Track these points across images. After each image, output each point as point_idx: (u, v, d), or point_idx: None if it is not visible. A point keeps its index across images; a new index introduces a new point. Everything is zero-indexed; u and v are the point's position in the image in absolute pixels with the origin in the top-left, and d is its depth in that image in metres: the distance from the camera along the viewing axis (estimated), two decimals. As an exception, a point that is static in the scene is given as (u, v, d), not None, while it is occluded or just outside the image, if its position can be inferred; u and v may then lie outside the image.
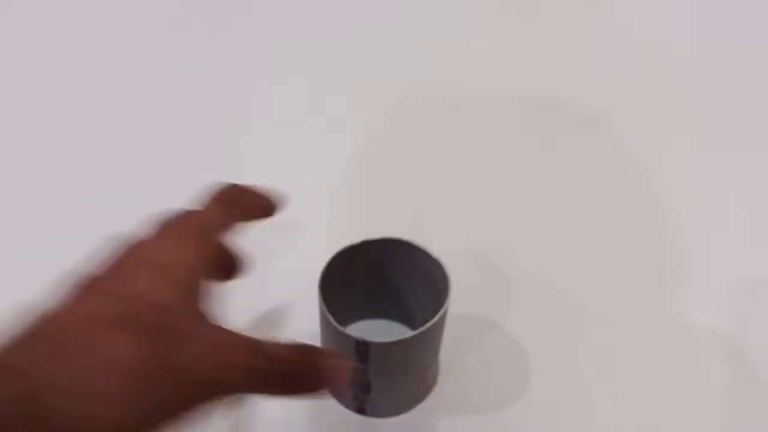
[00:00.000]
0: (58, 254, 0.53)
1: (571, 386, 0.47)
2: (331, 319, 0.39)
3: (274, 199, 0.36)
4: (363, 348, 0.39)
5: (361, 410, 0.45)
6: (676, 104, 0.66)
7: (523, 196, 0.59)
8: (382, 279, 0.45)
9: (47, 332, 0.27)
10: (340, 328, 0.39)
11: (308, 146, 0.61)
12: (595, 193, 0.59)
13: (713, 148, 0.62)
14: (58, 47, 0.70)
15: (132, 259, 0.30)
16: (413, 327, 0.41)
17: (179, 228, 0.32)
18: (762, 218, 0.57)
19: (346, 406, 0.45)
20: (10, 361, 0.26)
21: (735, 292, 0.52)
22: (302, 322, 0.48)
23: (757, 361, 0.48)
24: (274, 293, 0.50)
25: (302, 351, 0.31)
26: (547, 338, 0.49)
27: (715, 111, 0.65)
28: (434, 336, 0.42)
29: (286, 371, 0.30)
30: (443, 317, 0.40)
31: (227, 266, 0.36)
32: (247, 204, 0.35)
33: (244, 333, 0.29)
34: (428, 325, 0.39)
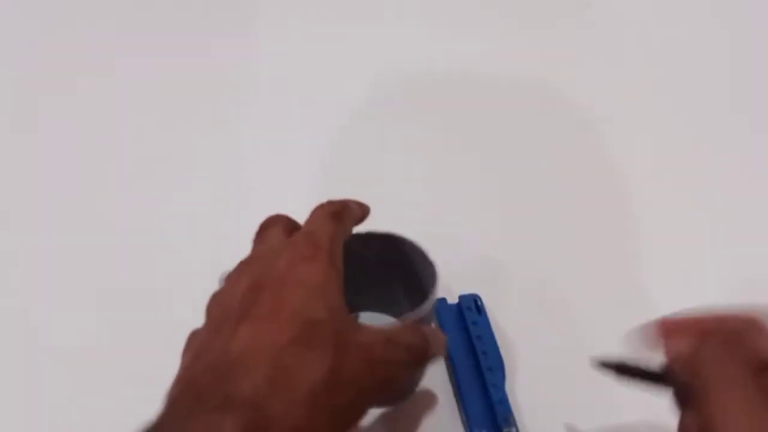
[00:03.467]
0: (58, 254, 0.54)
1: (564, 385, 0.47)
2: None
3: (365, 207, 0.40)
4: None
5: None
6: (676, 102, 0.66)
7: (517, 190, 0.59)
8: (369, 272, 0.45)
9: (252, 366, 0.29)
10: None
11: (300, 139, 0.62)
12: (590, 191, 0.59)
13: (713, 146, 0.62)
14: (59, 51, 0.70)
15: (274, 278, 0.32)
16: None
17: (310, 241, 0.34)
18: (759, 218, 0.57)
19: None
20: (244, 393, 0.28)
21: (735, 291, 0.52)
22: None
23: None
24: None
25: (418, 332, 0.36)
26: (543, 334, 0.49)
27: (715, 109, 0.65)
28: (423, 323, 0.42)
29: (416, 354, 0.35)
30: (431, 305, 0.40)
31: None
32: (349, 216, 0.38)
33: (375, 327, 0.33)
34: (417, 310, 0.39)
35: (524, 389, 0.46)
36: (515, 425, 0.43)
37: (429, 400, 0.46)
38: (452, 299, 0.50)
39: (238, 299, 0.32)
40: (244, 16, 0.75)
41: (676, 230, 0.56)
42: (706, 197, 0.58)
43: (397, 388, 0.41)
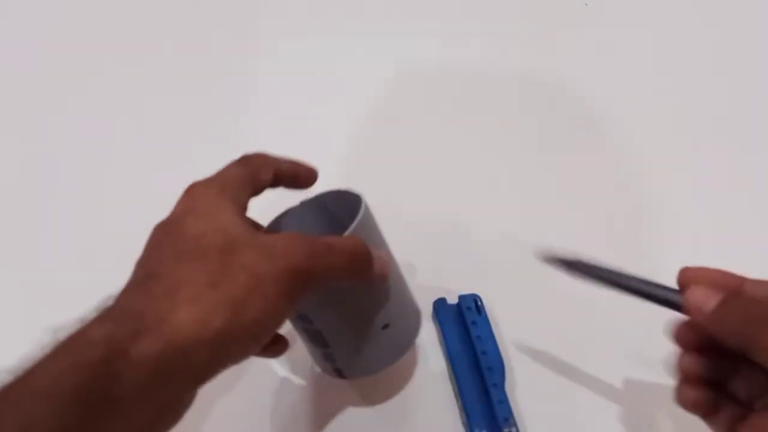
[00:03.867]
0: (58, 251, 0.54)
1: (564, 385, 0.47)
2: None
3: (305, 168, 0.40)
4: None
5: (337, 372, 0.44)
6: (679, 99, 0.66)
7: (517, 190, 0.59)
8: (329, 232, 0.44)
9: (129, 284, 0.31)
10: None
11: (308, 130, 0.62)
12: (591, 191, 0.59)
13: (715, 144, 0.62)
14: (61, 45, 0.70)
15: (165, 223, 0.34)
16: None
17: (209, 181, 0.36)
18: (761, 215, 0.57)
19: (325, 371, 0.45)
20: (119, 303, 0.30)
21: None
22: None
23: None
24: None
25: (352, 239, 0.36)
26: (543, 334, 0.49)
27: (717, 107, 0.65)
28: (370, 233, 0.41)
29: (343, 252, 0.35)
30: (368, 216, 0.40)
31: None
32: (265, 166, 0.38)
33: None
34: (352, 227, 0.38)
35: (524, 389, 0.46)
36: (515, 425, 0.43)
37: (429, 399, 0.46)
38: (452, 299, 0.50)
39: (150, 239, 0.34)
40: (246, 15, 0.75)
41: (680, 230, 0.56)
42: (713, 196, 0.58)
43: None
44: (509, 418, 0.43)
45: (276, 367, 0.47)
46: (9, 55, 0.70)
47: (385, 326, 0.42)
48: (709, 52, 0.71)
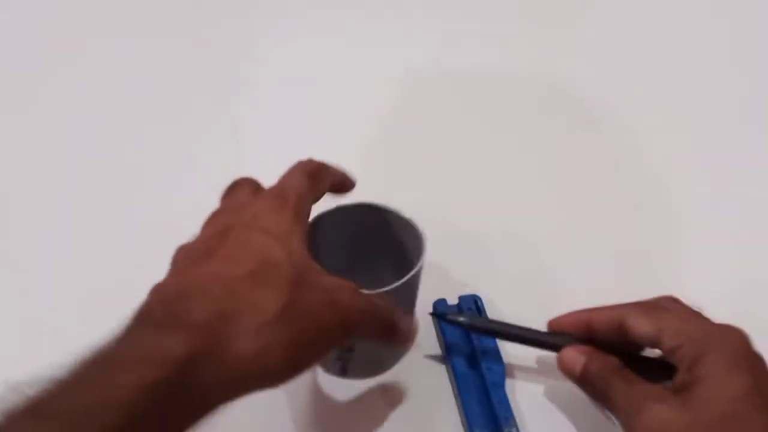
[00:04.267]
0: (57, 255, 0.54)
1: (564, 385, 0.47)
2: None
3: (350, 178, 0.41)
4: None
5: (343, 371, 0.45)
6: (679, 98, 0.66)
7: (518, 190, 0.59)
8: (357, 244, 0.45)
9: (203, 294, 0.30)
10: None
11: (310, 133, 0.62)
12: (591, 192, 0.59)
13: (715, 143, 0.62)
14: (61, 47, 0.70)
15: (241, 225, 0.34)
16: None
17: (278, 195, 0.36)
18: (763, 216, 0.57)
19: (329, 370, 0.46)
20: (193, 316, 0.29)
21: (736, 290, 0.52)
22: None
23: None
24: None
25: (389, 304, 0.37)
26: (540, 325, 0.48)
27: (717, 106, 0.65)
28: (412, 290, 0.43)
29: (383, 318, 0.36)
30: (419, 271, 0.41)
31: None
32: (325, 177, 0.39)
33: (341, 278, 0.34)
34: (407, 276, 0.40)
35: (524, 389, 0.46)
36: (515, 425, 0.43)
37: (429, 399, 0.46)
38: (452, 299, 0.50)
39: (202, 244, 0.34)
40: (254, 18, 0.75)
41: (680, 230, 0.56)
42: (713, 195, 0.58)
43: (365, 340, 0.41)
44: (509, 418, 0.43)
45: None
46: (7, 55, 0.70)
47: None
48: (710, 52, 0.71)
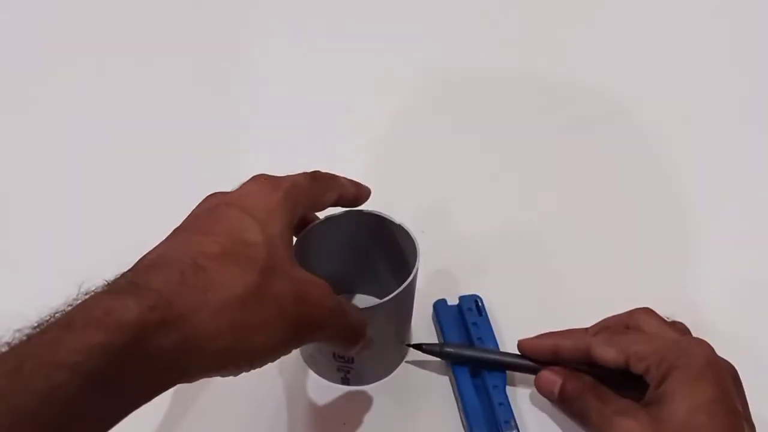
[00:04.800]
0: (62, 252, 0.53)
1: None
2: None
3: (363, 187, 0.41)
4: None
5: (345, 380, 0.46)
6: (680, 98, 0.66)
7: (519, 190, 0.59)
8: (353, 252, 0.46)
9: (170, 265, 0.29)
10: None
11: (313, 137, 0.61)
12: (591, 192, 0.59)
13: (716, 142, 0.62)
14: (61, 49, 0.69)
15: (224, 203, 0.33)
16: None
17: (272, 179, 0.35)
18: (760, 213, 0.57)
19: (330, 380, 0.46)
20: (153, 284, 0.28)
21: (737, 290, 0.52)
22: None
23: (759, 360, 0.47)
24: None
25: (362, 314, 0.37)
26: (540, 330, 0.48)
27: (718, 106, 0.65)
28: (408, 299, 0.43)
29: (350, 323, 0.36)
30: (414, 279, 0.41)
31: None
32: (331, 184, 0.39)
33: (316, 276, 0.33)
34: (403, 286, 0.40)
35: (525, 391, 0.46)
36: (516, 428, 0.43)
37: (429, 401, 0.46)
38: (453, 300, 0.49)
39: (186, 220, 0.34)
40: (248, 15, 0.74)
41: (684, 231, 0.56)
42: (714, 194, 0.58)
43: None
44: (510, 421, 0.43)
45: (274, 371, 0.47)
46: (7, 54, 0.69)
47: (408, 344, 0.46)
48: (712, 51, 0.71)
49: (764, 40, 0.71)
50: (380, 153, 0.60)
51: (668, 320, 0.42)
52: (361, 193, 0.42)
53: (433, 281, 0.50)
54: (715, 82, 0.68)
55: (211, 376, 0.30)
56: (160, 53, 0.70)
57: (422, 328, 0.49)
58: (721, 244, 0.55)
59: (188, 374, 0.29)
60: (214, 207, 0.34)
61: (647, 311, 0.43)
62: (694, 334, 0.42)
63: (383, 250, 0.46)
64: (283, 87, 0.67)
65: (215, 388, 0.46)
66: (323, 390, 0.46)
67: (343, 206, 0.42)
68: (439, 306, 0.49)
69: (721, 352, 0.39)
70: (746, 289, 0.52)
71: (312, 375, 0.47)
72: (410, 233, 0.43)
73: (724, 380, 0.37)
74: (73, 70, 0.68)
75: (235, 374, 0.31)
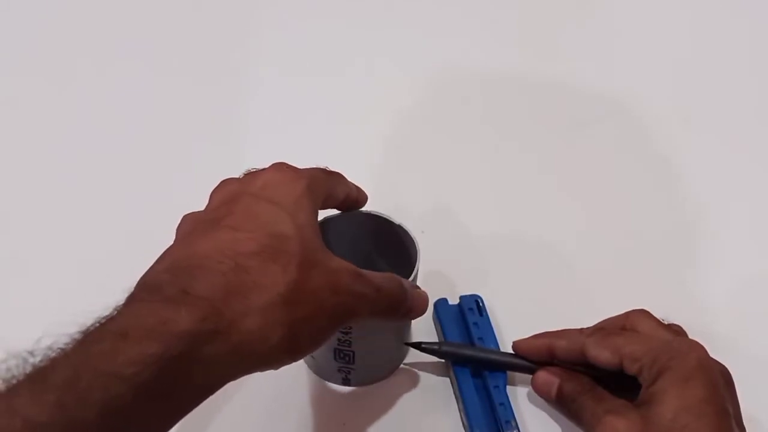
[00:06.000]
0: (56, 252, 0.53)
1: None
2: None
3: (363, 192, 0.42)
4: None
5: (346, 381, 0.46)
6: (680, 97, 0.66)
7: (519, 190, 0.59)
8: (354, 252, 0.45)
9: (211, 268, 0.29)
10: None
11: (316, 142, 0.61)
12: (591, 192, 0.59)
13: (717, 142, 0.62)
14: (61, 45, 0.69)
15: (249, 194, 0.33)
16: None
17: (291, 169, 0.35)
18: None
19: (331, 380, 0.46)
20: (201, 292, 0.28)
21: (741, 290, 0.52)
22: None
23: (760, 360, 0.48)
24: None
25: (396, 280, 0.37)
26: (541, 330, 0.48)
27: (719, 106, 0.65)
28: None
29: (388, 297, 0.36)
30: (415, 279, 0.41)
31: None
32: (342, 181, 0.40)
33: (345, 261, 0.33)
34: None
35: (526, 391, 0.45)
36: (517, 428, 0.42)
37: (430, 402, 0.46)
38: (453, 300, 0.49)
39: (209, 212, 0.34)
40: (250, 12, 0.74)
41: (684, 231, 0.56)
42: (715, 194, 0.58)
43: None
44: (511, 421, 0.43)
45: (274, 371, 0.47)
46: (6, 53, 0.69)
47: (406, 342, 0.45)
48: (714, 49, 0.71)
49: (766, 37, 0.71)
50: (380, 153, 0.60)
51: (664, 322, 0.42)
52: (361, 196, 0.42)
53: (434, 281, 0.50)
54: (719, 80, 0.67)
55: (252, 373, 0.31)
56: (164, 49, 0.70)
57: (423, 329, 0.49)
58: (724, 244, 0.55)
59: (235, 376, 0.30)
60: (237, 197, 0.33)
61: (643, 313, 0.43)
62: (695, 336, 0.42)
63: (383, 251, 0.46)
64: (282, 80, 0.66)
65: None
66: (323, 390, 0.46)
67: (345, 208, 0.42)
68: (440, 305, 0.49)
69: (720, 352, 0.39)
70: (749, 289, 0.52)
71: (312, 375, 0.47)
72: (410, 233, 0.43)
73: (715, 381, 0.37)
74: (70, 64, 0.68)
75: (276, 368, 0.31)
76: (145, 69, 0.68)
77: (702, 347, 0.39)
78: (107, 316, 0.27)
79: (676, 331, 0.42)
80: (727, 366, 0.39)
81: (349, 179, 0.41)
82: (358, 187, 0.42)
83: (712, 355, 0.39)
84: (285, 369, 0.46)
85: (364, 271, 0.35)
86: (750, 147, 0.62)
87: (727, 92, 0.66)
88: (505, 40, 0.71)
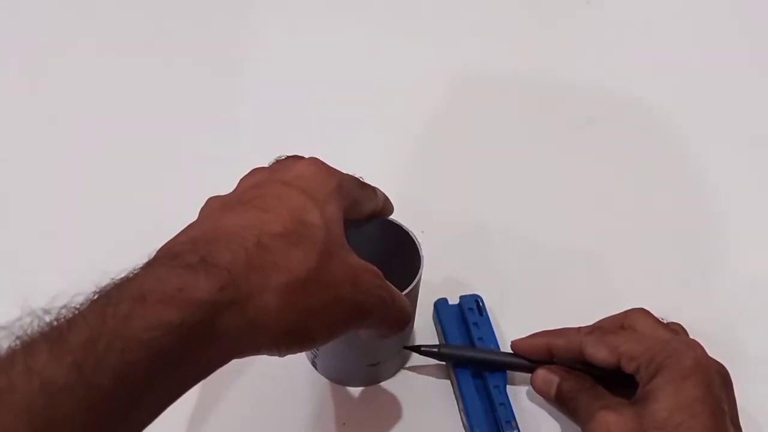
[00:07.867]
0: (62, 250, 0.53)
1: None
2: None
3: (391, 204, 0.41)
4: None
5: (314, 364, 0.46)
6: (681, 97, 0.66)
7: (519, 190, 0.59)
8: (376, 254, 0.45)
9: (234, 242, 0.29)
10: None
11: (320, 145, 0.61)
12: (591, 192, 0.59)
13: (717, 141, 0.62)
14: (59, 45, 0.69)
15: (281, 181, 0.33)
16: None
17: (324, 165, 0.35)
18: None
19: (331, 380, 0.46)
20: (221, 262, 0.28)
21: (740, 291, 0.52)
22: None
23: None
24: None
25: (407, 302, 0.37)
26: (544, 325, 0.48)
27: (719, 105, 0.65)
28: (412, 302, 0.43)
29: (397, 311, 0.36)
30: (418, 282, 0.41)
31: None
32: (374, 195, 0.39)
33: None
34: (408, 289, 0.39)
35: (526, 391, 0.46)
36: (517, 428, 0.43)
37: (430, 402, 0.46)
38: (453, 300, 0.49)
39: (238, 194, 0.33)
40: (250, 12, 0.74)
41: (684, 231, 0.56)
42: (716, 193, 0.58)
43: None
44: (511, 421, 0.43)
45: (274, 367, 0.47)
46: (7, 53, 0.69)
47: (372, 365, 0.45)
48: (716, 48, 0.70)
49: (755, 43, 0.71)
50: (379, 153, 0.60)
51: (663, 321, 0.42)
52: (387, 207, 0.41)
53: (434, 281, 0.50)
54: (721, 79, 0.67)
55: (258, 354, 0.30)
56: (165, 48, 0.70)
57: (424, 329, 0.49)
58: (726, 243, 0.55)
59: (244, 352, 0.29)
60: (268, 182, 0.33)
61: (642, 311, 0.43)
62: (695, 335, 0.42)
63: (384, 253, 0.45)
64: (283, 83, 0.66)
65: (215, 387, 0.46)
66: (323, 390, 0.46)
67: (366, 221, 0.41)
68: (440, 305, 0.49)
69: (720, 352, 0.39)
70: (749, 289, 0.52)
71: (312, 375, 0.47)
72: (412, 235, 0.42)
73: (711, 381, 0.37)
74: (70, 62, 0.68)
75: (281, 356, 0.31)
76: (159, 64, 0.68)
77: (700, 346, 0.39)
78: (125, 276, 0.27)
79: (675, 330, 0.42)
80: (727, 366, 0.39)
81: (382, 191, 0.41)
82: (386, 198, 0.41)
83: (711, 355, 0.39)
84: (285, 369, 0.46)
85: (388, 283, 0.35)
86: (754, 146, 0.62)
87: (731, 92, 0.66)
88: (505, 41, 0.71)
